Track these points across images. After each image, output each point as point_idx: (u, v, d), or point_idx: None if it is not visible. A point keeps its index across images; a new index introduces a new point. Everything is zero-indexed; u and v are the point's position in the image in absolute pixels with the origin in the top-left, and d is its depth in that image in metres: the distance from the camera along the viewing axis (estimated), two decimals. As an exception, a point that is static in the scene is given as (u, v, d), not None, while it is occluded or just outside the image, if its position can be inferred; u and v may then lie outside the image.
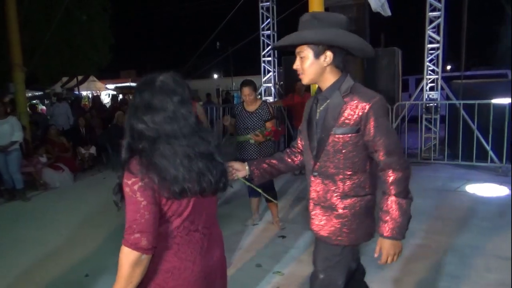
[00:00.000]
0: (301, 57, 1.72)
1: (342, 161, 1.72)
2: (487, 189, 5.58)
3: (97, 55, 16.02)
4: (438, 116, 7.87)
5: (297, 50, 1.72)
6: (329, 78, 1.73)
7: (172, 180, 1.31)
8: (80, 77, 18.45)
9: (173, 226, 1.40)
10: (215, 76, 31.86)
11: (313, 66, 1.70)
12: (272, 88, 10.08)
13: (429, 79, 7.92)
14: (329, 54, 1.68)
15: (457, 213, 4.66)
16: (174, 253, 1.41)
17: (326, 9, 5.95)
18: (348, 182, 1.74)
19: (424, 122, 7.87)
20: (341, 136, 1.69)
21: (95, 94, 18.64)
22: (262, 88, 10.08)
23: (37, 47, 10.40)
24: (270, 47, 9.77)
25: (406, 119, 8.00)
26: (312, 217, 1.86)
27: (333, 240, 1.79)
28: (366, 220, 1.79)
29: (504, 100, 6.36)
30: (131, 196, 1.32)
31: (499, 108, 6.33)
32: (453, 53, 11.47)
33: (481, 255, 3.53)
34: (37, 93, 18.21)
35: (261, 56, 9.89)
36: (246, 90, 4.08)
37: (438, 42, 7.68)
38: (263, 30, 9.73)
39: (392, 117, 7.11)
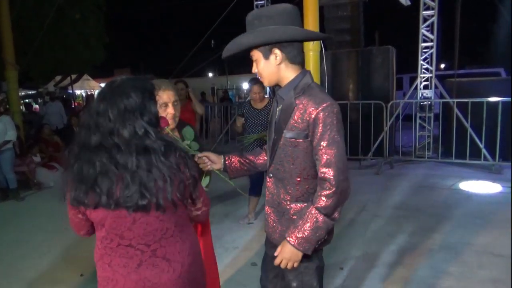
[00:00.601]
0: (254, 61, 1.66)
1: (291, 166, 1.64)
2: (480, 187, 5.63)
3: (91, 53, 15.93)
4: (432, 114, 7.92)
5: (250, 54, 1.65)
6: (287, 76, 1.63)
7: (66, 187, 1.36)
8: (73, 76, 18.33)
9: (101, 235, 1.41)
10: (210, 74, 31.78)
11: (266, 67, 1.62)
12: (267, 87, 10.09)
13: (423, 77, 7.96)
14: (277, 52, 1.58)
15: (450, 210, 4.70)
16: (108, 263, 1.40)
17: (321, 7, 5.95)
18: (297, 188, 1.66)
19: (418, 120, 7.92)
20: (290, 140, 1.61)
21: (89, 93, 18.52)
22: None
23: (30, 45, 10.32)
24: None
25: (401, 118, 8.04)
26: (266, 219, 1.80)
27: None
28: None
29: (496, 98, 6.41)
30: None
31: (492, 106, 6.38)
32: (447, 51, 11.54)
33: (474, 252, 3.56)
34: (30, 92, 18.08)
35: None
36: (256, 88, 4.16)
37: (432, 40, 7.72)
38: (257, 28, 9.70)
39: (386, 115, 7.15)
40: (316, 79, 4.88)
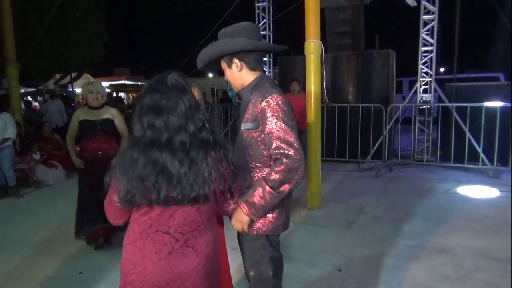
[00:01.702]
0: (223, 70, 1.93)
1: (249, 155, 1.84)
2: (478, 191, 5.65)
3: (91, 52, 15.91)
4: (431, 118, 7.95)
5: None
6: (248, 80, 1.90)
7: (122, 191, 1.38)
8: (74, 74, 18.32)
9: (142, 219, 1.45)
10: (210, 75, 31.77)
11: (231, 75, 1.91)
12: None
13: (423, 81, 7.99)
14: (237, 61, 1.86)
15: (448, 214, 4.72)
16: (140, 248, 1.45)
17: (322, 10, 5.98)
18: (252, 174, 1.85)
19: (417, 124, 7.95)
20: (246, 131, 1.83)
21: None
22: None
23: (30, 43, 10.31)
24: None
25: (400, 121, 8.06)
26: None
27: (248, 230, 1.88)
28: (269, 214, 1.85)
29: (495, 103, 6.44)
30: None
31: (491, 110, 6.41)
32: (447, 55, 11.60)
33: (471, 256, 3.58)
34: (30, 90, 18.06)
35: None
36: None
37: (431, 44, 7.76)
38: (258, 30, 9.74)
39: (386, 118, 7.17)
40: (317, 81, 4.91)
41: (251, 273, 1.90)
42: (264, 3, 9.58)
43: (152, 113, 1.40)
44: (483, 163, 6.54)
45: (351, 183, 6.42)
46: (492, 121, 6.31)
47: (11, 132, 5.86)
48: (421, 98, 8.05)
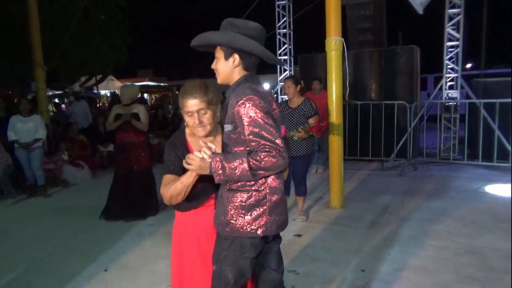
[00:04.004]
0: (216, 57, 1.89)
1: (228, 152, 1.83)
2: (508, 190, 5.46)
3: (115, 54, 16.23)
4: (457, 115, 7.74)
5: (215, 51, 1.90)
6: (236, 79, 1.87)
7: None
8: (99, 77, 18.75)
9: None
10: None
11: (223, 67, 1.87)
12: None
13: (448, 77, 7.78)
14: (236, 57, 1.83)
15: (477, 214, 4.58)
16: None
17: (343, 7, 5.89)
18: None
19: (443, 122, 7.75)
20: (227, 132, 1.82)
21: (114, 92, 18.90)
22: (278, 87, 10.08)
23: (57, 46, 10.61)
24: (286, 45, 9.78)
25: (425, 118, 7.88)
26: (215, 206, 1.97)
27: (217, 227, 1.87)
28: (247, 215, 1.78)
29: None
30: None
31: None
32: (474, 50, 11.24)
33: (500, 257, 3.46)
34: (57, 92, 18.61)
35: (277, 54, 9.88)
36: (287, 82, 4.43)
37: (457, 39, 7.54)
38: (279, 28, 9.72)
39: (410, 115, 7.02)
40: (338, 79, 4.86)
41: (214, 267, 1.88)
42: (284, 1, 9.54)
43: None
44: (513, 161, 6.32)
45: (374, 182, 6.32)
46: (522, 118, 6.09)
47: (42, 133, 6.07)
48: (447, 95, 7.84)
